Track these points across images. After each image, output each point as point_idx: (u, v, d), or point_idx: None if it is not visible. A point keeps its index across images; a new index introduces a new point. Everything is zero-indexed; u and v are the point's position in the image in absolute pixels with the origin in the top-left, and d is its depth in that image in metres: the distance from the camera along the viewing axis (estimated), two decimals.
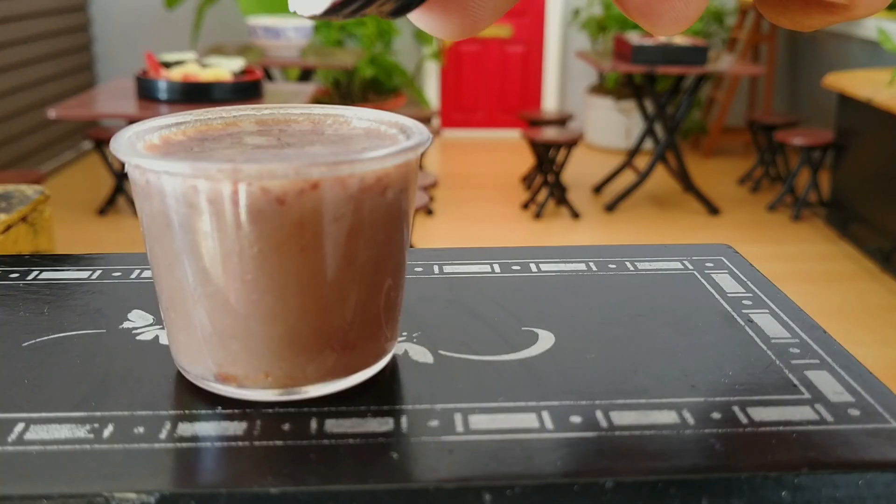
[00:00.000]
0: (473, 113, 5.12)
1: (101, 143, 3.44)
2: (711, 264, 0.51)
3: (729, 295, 0.47)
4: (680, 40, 3.58)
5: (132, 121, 2.24)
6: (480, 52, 5.03)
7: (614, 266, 0.51)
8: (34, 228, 0.79)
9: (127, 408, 0.35)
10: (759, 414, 0.35)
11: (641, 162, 4.12)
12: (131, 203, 3.46)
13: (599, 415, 0.35)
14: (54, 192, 1.04)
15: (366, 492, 0.30)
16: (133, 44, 4.59)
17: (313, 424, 0.34)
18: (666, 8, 0.28)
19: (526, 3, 4.97)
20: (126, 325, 0.43)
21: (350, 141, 0.39)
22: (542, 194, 3.63)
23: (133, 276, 0.49)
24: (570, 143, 3.50)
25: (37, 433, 0.33)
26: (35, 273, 0.49)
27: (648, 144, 4.36)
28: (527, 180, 3.93)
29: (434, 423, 0.34)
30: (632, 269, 0.51)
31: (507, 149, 4.77)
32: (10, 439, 0.33)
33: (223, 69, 2.52)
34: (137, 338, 0.42)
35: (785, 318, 0.44)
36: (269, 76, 3.82)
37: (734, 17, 4.80)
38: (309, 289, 0.34)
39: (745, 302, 0.46)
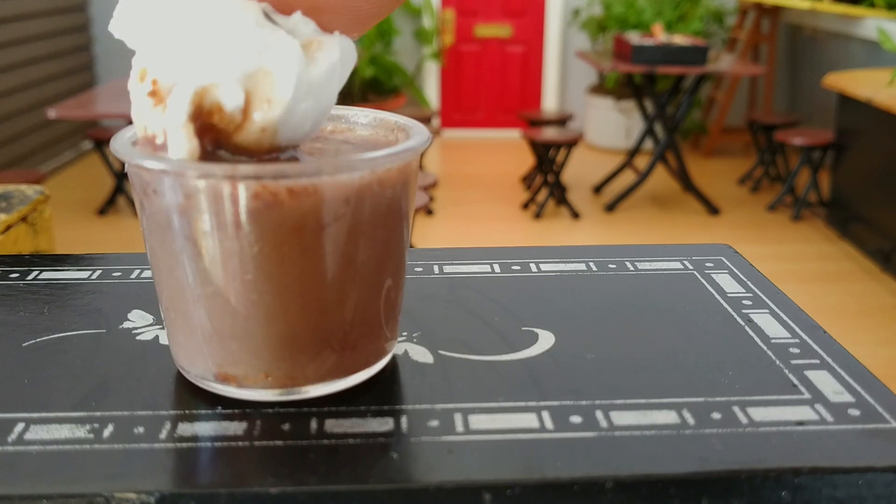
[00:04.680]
0: (473, 113, 5.12)
1: (101, 143, 3.44)
2: (711, 264, 0.51)
3: (729, 295, 0.47)
4: (680, 40, 3.58)
5: (132, 121, 2.24)
6: (480, 52, 5.03)
7: (614, 266, 0.51)
8: (34, 228, 0.79)
9: (127, 408, 0.35)
10: (759, 414, 0.35)
11: (641, 162, 4.12)
12: (131, 203, 3.46)
13: (599, 415, 0.35)
14: (54, 192, 1.04)
15: (366, 492, 0.30)
16: None
17: (313, 424, 0.34)
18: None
19: (526, 3, 4.97)
20: (126, 325, 0.43)
21: (350, 141, 0.39)
22: (542, 194, 3.63)
23: (133, 276, 0.49)
24: (570, 143, 3.50)
25: (37, 433, 0.33)
26: (35, 273, 0.49)
27: (648, 144, 4.36)
28: (527, 180, 3.93)
29: (434, 423, 0.34)
30: (632, 269, 0.51)
31: (507, 149, 4.77)
32: (10, 439, 0.33)
33: None
34: (137, 338, 0.42)
35: (785, 318, 0.44)
36: None
37: (734, 17, 4.80)
38: (309, 289, 0.34)
39: (745, 302, 0.46)
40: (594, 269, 0.50)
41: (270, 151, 0.34)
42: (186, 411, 0.35)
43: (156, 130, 0.33)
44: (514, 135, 4.94)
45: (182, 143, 0.32)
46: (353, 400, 0.36)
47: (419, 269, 0.50)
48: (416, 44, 4.90)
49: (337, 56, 0.34)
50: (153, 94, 0.33)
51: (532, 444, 0.33)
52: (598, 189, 3.93)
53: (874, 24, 3.67)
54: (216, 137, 0.33)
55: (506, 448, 0.32)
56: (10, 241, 0.75)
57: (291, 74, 0.33)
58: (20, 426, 0.33)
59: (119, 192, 3.50)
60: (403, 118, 0.39)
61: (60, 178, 4.11)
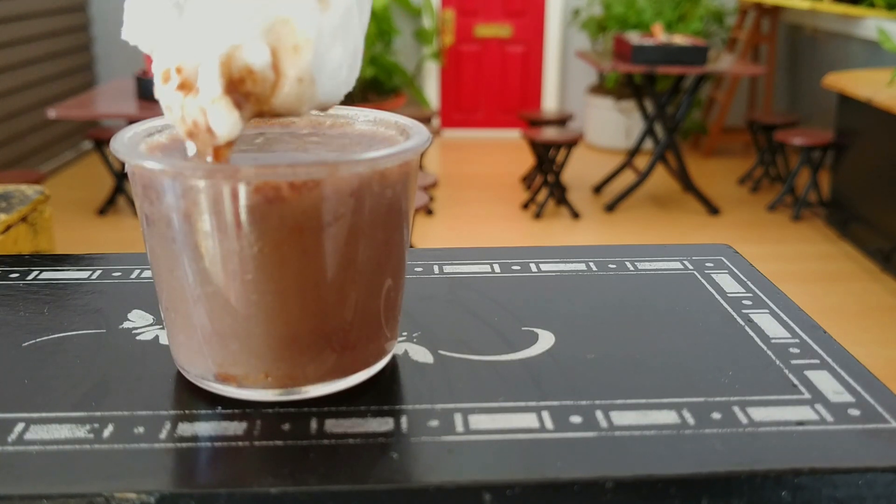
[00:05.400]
0: (473, 113, 5.12)
1: (101, 143, 3.44)
2: (711, 264, 0.51)
3: (729, 295, 0.47)
4: (680, 40, 3.57)
5: (132, 121, 2.25)
6: (480, 52, 5.02)
7: (614, 266, 0.51)
8: (34, 228, 0.79)
9: (127, 408, 0.35)
10: (759, 414, 0.35)
11: (641, 162, 4.12)
12: (131, 203, 3.46)
13: (599, 415, 0.35)
14: (54, 192, 1.04)
15: (366, 492, 0.30)
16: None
17: (313, 424, 0.34)
18: None
19: (526, 3, 4.96)
20: (126, 325, 0.43)
21: (350, 141, 0.39)
22: (542, 194, 3.63)
23: (133, 276, 0.49)
24: (570, 143, 3.50)
25: (37, 433, 0.33)
26: (35, 273, 0.49)
27: (648, 144, 4.36)
28: (527, 180, 3.93)
29: (434, 423, 0.34)
30: (632, 269, 0.51)
31: (507, 149, 4.77)
32: (10, 439, 0.33)
33: None
34: (137, 338, 0.42)
35: (785, 318, 0.44)
36: None
37: (734, 17, 4.80)
38: (309, 289, 0.34)
39: (745, 302, 0.46)
40: (594, 269, 0.50)
41: (315, 109, 0.33)
42: (186, 411, 0.35)
43: (196, 117, 0.32)
44: (514, 135, 4.94)
45: (224, 116, 0.31)
46: (353, 400, 0.36)
47: (419, 269, 0.50)
48: (416, 44, 4.90)
49: None
50: (182, 85, 0.32)
51: (532, 444, 0.33)
52: (598, 189, 3.93)
53: (874, 24, 3.67)
54: (257, 108, 0.32)
55: (506, 448, 0.32)
56: (10, 241, 0.75)
57: (309, 14, 0.32)
58: (20, 426, 0.33)
59: (119, 192, 3.50)
60: (403, 118, 0.39)
61: (60, 178, 4.11)
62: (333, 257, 0.34)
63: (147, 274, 0.49)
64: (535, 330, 0.42)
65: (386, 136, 0.39)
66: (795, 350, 0.40)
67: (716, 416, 0.34)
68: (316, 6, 0.32)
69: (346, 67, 0.34)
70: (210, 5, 0.32)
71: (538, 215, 3.57)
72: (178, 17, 0.32)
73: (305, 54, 0.32)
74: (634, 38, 3.61)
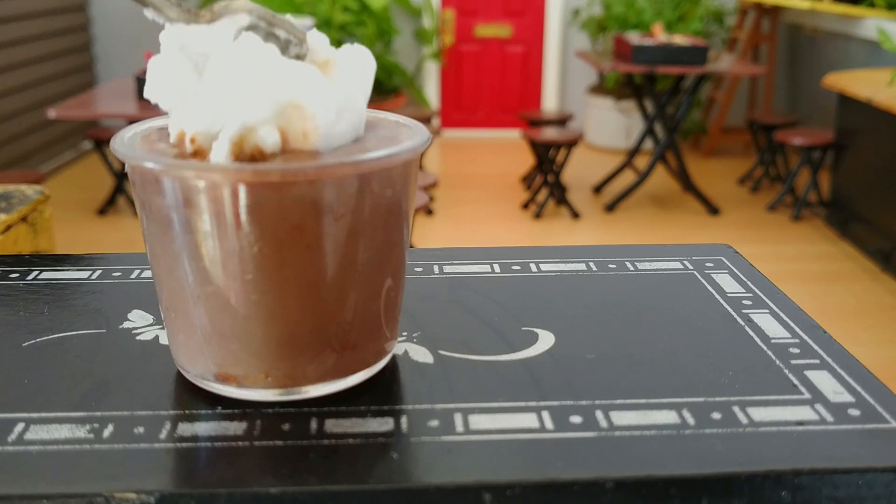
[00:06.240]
0: (473, 113, 5.12)
1: (101, 143, 3.44)
2: (711, 264, 0.51)
3: (729, 295, 0.47)
4: (680, 40, 3.57)
5: (132, 121, 2.25)
6: (480, 52, 5.02)
7: (614, 266, 0.51)
8: (34, 228, 0.79)
9: (127, 408, 0.35)
10: (759, 414, 0.35)
11: (641, 162, 4.12)
12: (131, 203, 3.46)
13: (599, 415, 0.35)
14: (54, 192, 1.04)
15: (366, 492, 0.30)
16: (133, 44, 4.58)
17: (313, 424, 0.34)
18: None
19: (526, 3, 4.96)
20: (126, 325, 0.43)
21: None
22: (542, 194, 3.63)
23: (133, 276, 0.49)
24: (570, 143, 3.50)
25: (37, 433, 0.33)
26: (35, 273, 0.49)
27: (648, 144, 4.36)
28: (527, 180, 3.93)
29: (434, 423, 0.34)
30: (632, 269, 0.51)
31: (507, 149, 4.77)
32: (10, 439, 0.33)
33: None
34: (137, 338, 0.42)
35: (785, 318, 0.44)
36: None
37: (734, 17, 4.80)
38: (309, 289, 0.34)
39: (745, 302, 0.46)
40: (594, 269, 0.50)
41: None
42: (186, 411, 0.35)
43: None
44: (514, 135, 4.94)
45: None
46: (353, 400, 0.36)
47: (419, 269, 0.50)
48: (416, 44, 4.90)
49: (356, 69, 0.35)
50: (195, 153, 0.33)
51: (532, 444, 0.33)
52: (598, 189, 3.93)
53: (874, 24, 3.67)
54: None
55: (506, 448, 0.32)
56: (10, 241, 0.75)
57: (321, 103, 0.33)
58: (20, 426, 0.33)
59: (119, 192, 3.50)
60: (403, 118, 0.39)
61: (60, 178, 4.11)
62: (333, 257, 0.34)
63: (147, 274, 0.49)
64: (535, 330, 0.42)
65: (386, 136, 0.39)
66: (795, 350, 0.40)
67: (716, 416, 0.34)
68: (325, 87, 0.33)
69: (349, 134, 0.36)
70: (225, 78, 0.33)
71: (538, 215, 3.57)
72: (197, 80, 0.34)
73: (314, 139, 0.34)
74: (634, 38, 3.61)
